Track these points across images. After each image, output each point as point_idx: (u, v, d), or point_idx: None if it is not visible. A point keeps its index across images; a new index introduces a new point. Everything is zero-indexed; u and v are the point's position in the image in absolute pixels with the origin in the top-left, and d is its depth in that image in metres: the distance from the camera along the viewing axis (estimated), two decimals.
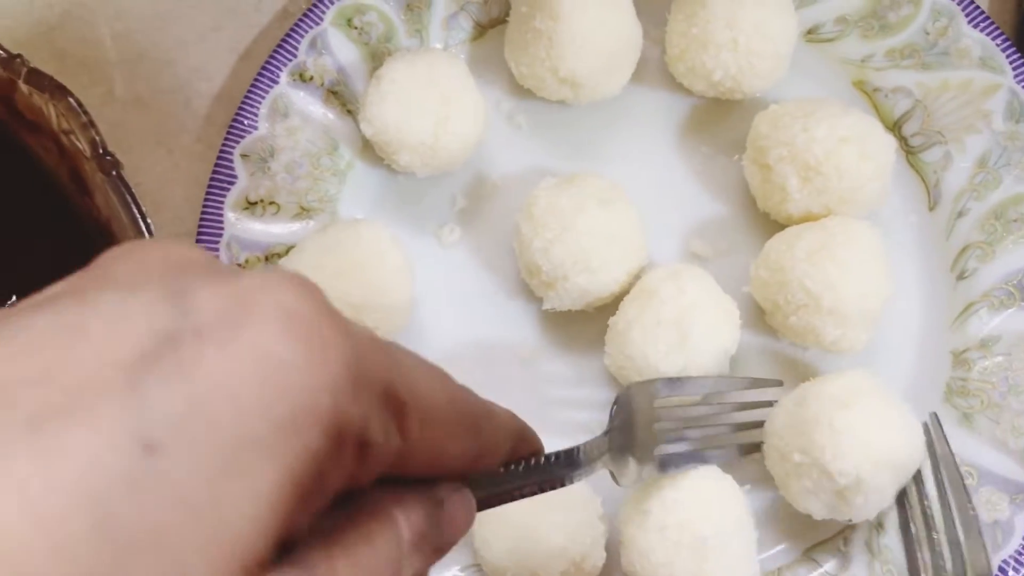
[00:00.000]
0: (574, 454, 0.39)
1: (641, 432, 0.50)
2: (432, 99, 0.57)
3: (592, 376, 0.59)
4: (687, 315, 0.53)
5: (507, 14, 0.62)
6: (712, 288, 0.54)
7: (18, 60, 0.55)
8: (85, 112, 0.54)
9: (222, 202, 0.59)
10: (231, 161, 0.60)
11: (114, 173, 0.53)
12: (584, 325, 0.59)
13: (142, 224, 0.52)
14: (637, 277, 0.56)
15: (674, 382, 0.52)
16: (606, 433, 0.47)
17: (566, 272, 0.54)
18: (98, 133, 0.54)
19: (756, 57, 0.57)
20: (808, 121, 0.55)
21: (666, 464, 0.51)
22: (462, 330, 0.60)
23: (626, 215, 0.56)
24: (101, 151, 0.54)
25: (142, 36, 0.66)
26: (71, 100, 0.54)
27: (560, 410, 0.59)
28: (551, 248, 0.54)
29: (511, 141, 0.62)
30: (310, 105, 0.61)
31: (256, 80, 0.61)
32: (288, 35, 0.61)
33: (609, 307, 0.57)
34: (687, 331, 0.52)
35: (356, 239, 0.55)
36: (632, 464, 0.48)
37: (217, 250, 0.59)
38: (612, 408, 0.49)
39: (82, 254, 0.57)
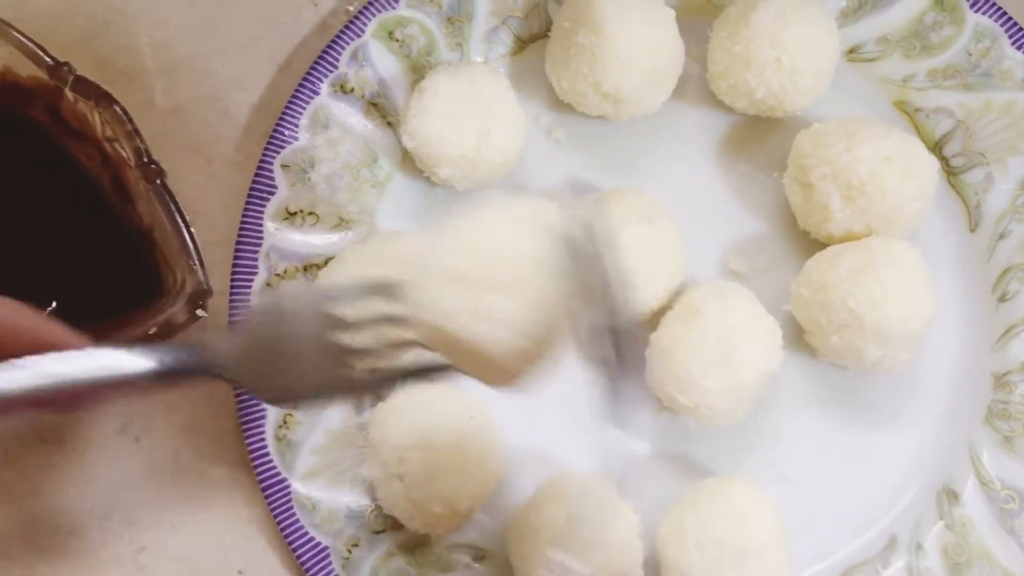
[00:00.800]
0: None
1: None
2: (474, 113, 0.57)
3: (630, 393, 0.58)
4: (732, 333, 0.52)
5: (548, 29, 0.62)
6: (755, 306, 0.54)
7: (65, 68, 0.56)
8: (130, 120, 0.55)
9: (262, 212, 0.59)
10: (271, 171, 0.60)
11: (158, 181, 0.53)
12: None
13: (185, 233, 0.52)
14: (676, 294, 0.56)
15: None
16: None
17: None
18: (143, 141, 0.54)
19: (799, 75, 0.57)
20: (851, 141, 0.55)
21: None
22: None
23: (667, 232, 0.56)
24: (146, 159, 0.54)
25: (182, 46, 0.66)
26: (117, 108, 0.55)
27: (597, 426, 0.58)
28: None
29: (549, 155, 0.62)
30: (351, 117, 0.61)
31: (297, 91, 0.61)
32: (329, 46, 0.61)
33: (647, 324, 0.57)
34: (732, 349, 0.52)
35: (398, 250, 0.55)
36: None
37: (256, 259, 0.59)
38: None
39: (123, 261, 0.58)
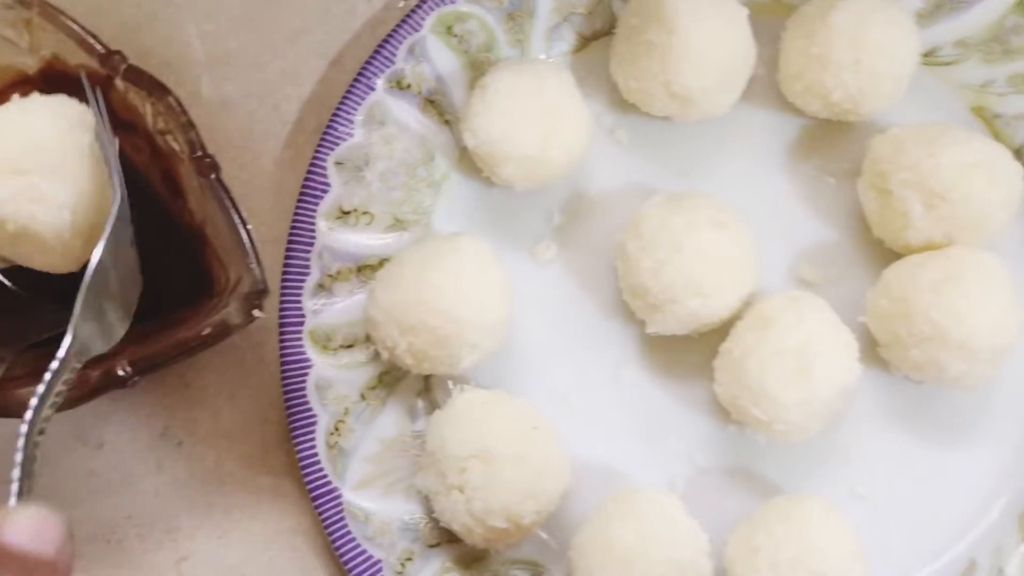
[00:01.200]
0: None
1: None
2: (538, 111, 0.55)
3: (695, 403, 0.56)
4: (808, 346, 0.50)
5: (612, 26, 0.60)
6: (831, 318, 0.52)
7: (116, 56, 0.54)
8: (184, 111, 0.53)
9: (314, 210, 0.57)
10: (324, 168, 0.58)
11: (213, 176, 0.51)
12: (686, 350, 0.56)
13: (242, 230, 0.50)
14: (747, 303, 0.54)
15: None
16: None
17: (676, 295, 0.52)
18: (197, 134, 0.52)
19: (878, 78, 0.55)
20: (933, 146, 0.53)
21: None
22: (556, 351, 0.58)
23: (740, 239, 0.53)
24: (200, 152, 0.52)
25: (231, 37, 0.64)
26: (171, 99, 0.53)
27: (660, 437, 0.56)
28: (661, 269, 0.52)
29: (611, 156, 0.60)
30: (407, 114, 0.59)
31: (352, 86, 0.59)
32: (385, 41, 0.59)
33: (714, 333, 0.55)
34: (809, 363, 0.50)
35: (457, 253, 0.53)
36: None
37: (308, 259, 0.56)
38: None
39: (173, 258, 0.56)
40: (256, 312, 0.48)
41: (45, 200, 0.50)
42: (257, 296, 0.48)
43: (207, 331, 0.48)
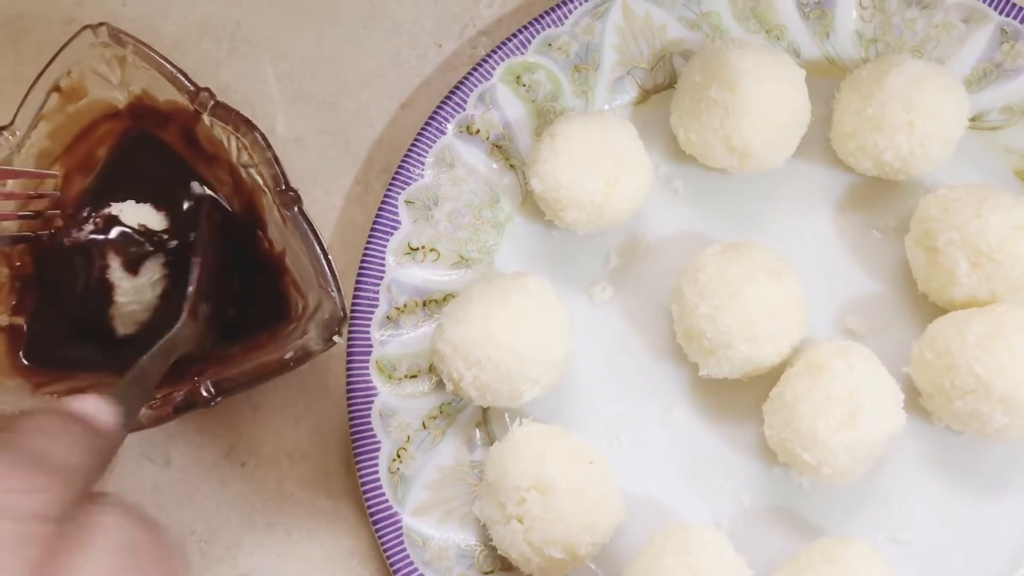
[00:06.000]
0: None
1: None
2: (603, 160, 0.57)
3: (742, 445, 0.58)
4: (857, 394, 0.52)
5: (671, 81, 0.63)
6: (879, 367, 0.54)
7: (205, 93, 0.57)
8: (270, 147, 0.55)
9: (384, 245, 0.60)
10: (396, 206, 0.60)
11: (296, 209, 0.54)
12: (736, 393, 0.58)
13: (323, 260, 0.52)
14: (796, 350, 0.56)
15: None
16: None
17: (731, 340, 0.54)
18: (281, 169, 0.55)
19: (928, 140, 0.57)
20: (981, 207, 0.55)
21: None
22: (609, 389, 0.60)
23: (792, 288, 0.56)
24: (283, 186, 0.54)
25: (306, 77, 0.67)
26: (257, 135, 0.55)
27: (708, 476, 0.58)
28: (717, 315, 0.54)
29: (668, 204, 0.63)
30: (475, 158, 0.62)
31: (424, 129, 0.61)
32: (456, 88, 0.62)
33: (762, 377, 0.57)
34: (858, 409, 0.52)
35: (524, 292, 0.55)
36: None
37: (377, 292, 0.59)
38: None
39: (251, 284, 0.58)
40: (335, 338, 0.51)
41: None
42: (337, 323, 0.51)
43: (289, 355, 0.51)
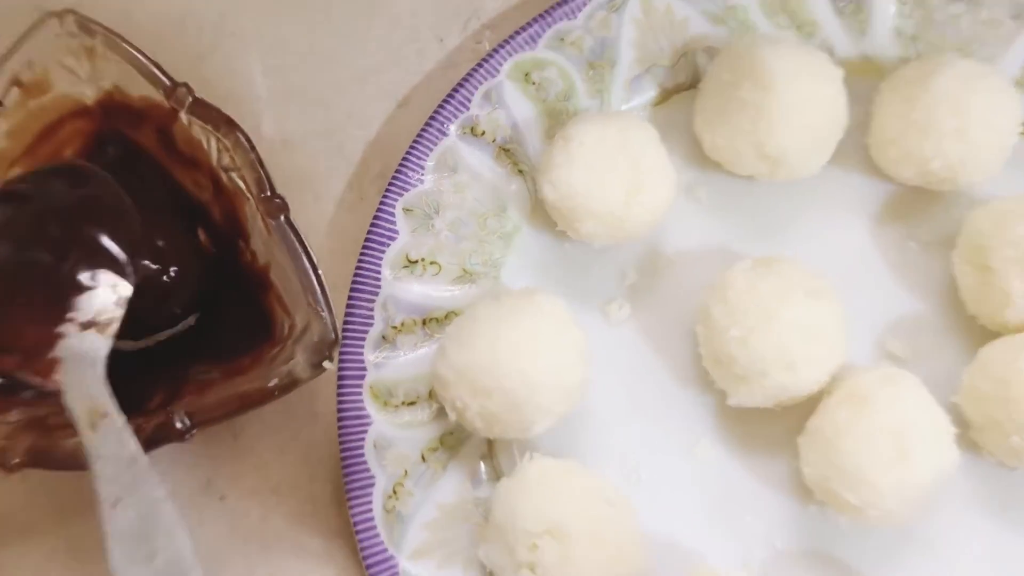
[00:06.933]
0: None
1: None
2: (623, 166, 0.53)
3: (774, 481, 0.53)
4: (906, 427, 0.47)
5: (694, 81, 0.58)
6: (927, 398, 0.49)
7: (183, 89, 0.52)
8: (254, 148, 0.50)
9: (380, 257, 0.55)
10: (392, 214, 0.55)
11: (282, 217, 0.49)
12: (767, 424, 0.53)
13: (312, 275, 0.47)
14: (835, 377, 0.51)
15: None
16: None
17: (767, 368, 0.49)
18: (266, 172, 0.50)
19: (980, 148, 0.52)
20: None
21: None
22: (628, 418, 0.55)
23: (832, 309, 0.51)
24: (268, 192, 0.49)
25: (296, 73, 0.62)
26: (240, 135, 0.51)
27: (736, 515, 0.53)
28: (750, 339, 0.49)
29: (690, 215, 0.58)
30: (480, 162, 0.57)
31: (424, 130, 0.56)
32: (460, 85, 0.57)
33: (796, 406, 0.52)
34: (908, 446, 0.47)
35: (535, 310, 0.50)
36: None
37: (372, 309, 0.54)
38: None
39: (231, 300, 0.53)
40: (326, 363, 0.46)
41: None
42: (327, 347, 0.46)
43: (273, 383, 0.45)
